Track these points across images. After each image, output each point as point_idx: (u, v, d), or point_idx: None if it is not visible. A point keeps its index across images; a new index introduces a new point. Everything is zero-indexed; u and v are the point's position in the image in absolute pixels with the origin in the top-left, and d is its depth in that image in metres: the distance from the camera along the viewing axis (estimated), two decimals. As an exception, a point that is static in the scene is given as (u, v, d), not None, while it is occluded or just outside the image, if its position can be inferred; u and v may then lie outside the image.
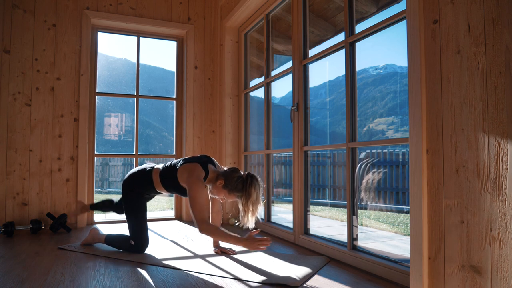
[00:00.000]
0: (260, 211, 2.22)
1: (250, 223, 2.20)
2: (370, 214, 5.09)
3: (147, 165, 2.57)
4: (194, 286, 1.83)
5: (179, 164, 2.34)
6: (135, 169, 2.56)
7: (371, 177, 5.28)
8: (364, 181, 5.13)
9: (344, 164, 5.44)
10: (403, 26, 1.81)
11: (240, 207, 2.20)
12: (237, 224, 2.25)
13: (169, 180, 2.36)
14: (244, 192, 2.18)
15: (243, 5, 3.46)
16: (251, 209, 2.17)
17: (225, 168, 2.35)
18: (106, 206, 2.85)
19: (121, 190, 2.55)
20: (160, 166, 2.47)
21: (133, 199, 2.46)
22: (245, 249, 2.58)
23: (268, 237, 2.08)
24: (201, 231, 2.14)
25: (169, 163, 2.44)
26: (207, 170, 2.29)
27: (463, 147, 1.42)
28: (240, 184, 2.20)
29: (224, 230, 2.16)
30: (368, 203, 5.19)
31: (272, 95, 3.52)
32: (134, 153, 3.97)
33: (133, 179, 2.48)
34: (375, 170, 5.33)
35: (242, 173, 2.27)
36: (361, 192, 5.05)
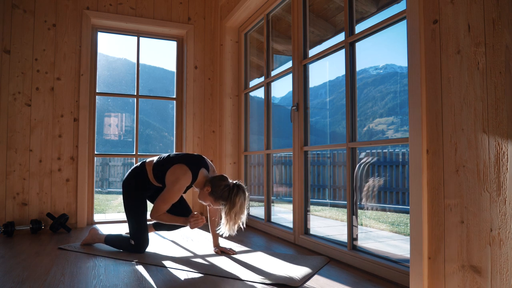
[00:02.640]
0: (244, 221, 2.23)
1: (231, 231, 2.19)
2: (370, 214, 5.09)
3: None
4: (194, 286, 1.83)
5: (172, 162, 2.33)
6: (131, 168, 2.57)
7: (370, 177, 5.28)
8: (363, 181, 5.13)
9: (344, 164, 5.44)
10: (403, 26, 1.81)
11: (223, 215, 2.20)
12: (217, 230, 2.28)
13: (160, 174, 2.37)
14: (229, 201, 2.18)
15: (243, 5, 3.46)
16: (234, 218, 2.16)
17: (215, 175, 2.35)
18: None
19: (121, 190, 2.55)
20: (154, 158, 2.46)
21: (133, 199, 2.46)
22: (245, 249, 2.59)
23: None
24: (152, 217, 2.28)
25: (164, 156, 2.43)
26: (196, 176, 2.30)
27: (463, 147, 1.42)
28: (226, 192, 2.20)
29: (168, 215, 2.30)
30: (368, 203, 5.19)
31: (272, 95, 3.52)
32: (134, 153, 3.97)
33: (131, 177, 2.49)
34: (374, 170, 5.33)
35: (231, 181, 2.27)
36: (360, 192, 5.05)
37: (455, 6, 1.46)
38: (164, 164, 2.36)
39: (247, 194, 2.24)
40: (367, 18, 2.57)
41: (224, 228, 2.20)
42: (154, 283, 1.86)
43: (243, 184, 2.26)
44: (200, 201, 2.37)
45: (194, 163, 2.33)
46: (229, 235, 2.23)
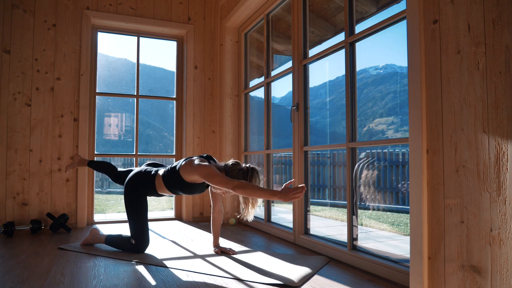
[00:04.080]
0: (260, 203, 2.25)
1: (250, 215, 2.21)
2: (370, 214, 5.09)
3: (150, 167, 2.57)
4: (194, 286, 1.83)
5: (179, 164, 2.34)
6: (138, 170, 2.55)
7: (370, 177, 5.28)
8: (361, 180, 5.13)
9: (344, 164, 5.44)
10: (403, 26, 1.81)
11: (241, 199, 2.22)
12: (238, 216, 2.29)
13: (174, 181, 2.35)
14: None
15: (243, 5, 3.46)
16: (251, 201, 2.18)
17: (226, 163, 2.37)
18: (104, 169, 2.88)
19: (123, 189, 2.55)
20: (161, 171, 2.46)
21: (136, 199, 2.46)
22: (245, 249, 2.59)
23: (299, 190, 1.81)
24: (234, 189, 2.00)
25: (169, 166, 2.45)
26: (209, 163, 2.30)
27: (463, 147, 1.42)
28: (241, 176, 2.22)
29: (255, 185, 2.06)
30: (367, 203, 5.19)
31: (272, 95, 3.52)
32: (134, 153, 3.97)
33: (136, 180, 2.48)
34: (374, 170, 5.33)
35: (244, 165, 2.29)
36: (360, 192, 5.05)
37: (455, 6, 1.46)
38: (172, 171, 2.36)
39: (261, 176, 2.25)
40: (367, 18, 2.57)
41: (244, 213, 2.20)
42: (154, 283, 1.86)
43: (256, 167, 2.26)
44: (215, 191, 2.38)
45: (201, 156, 2.36)
46: (247, 220, 2.19)
